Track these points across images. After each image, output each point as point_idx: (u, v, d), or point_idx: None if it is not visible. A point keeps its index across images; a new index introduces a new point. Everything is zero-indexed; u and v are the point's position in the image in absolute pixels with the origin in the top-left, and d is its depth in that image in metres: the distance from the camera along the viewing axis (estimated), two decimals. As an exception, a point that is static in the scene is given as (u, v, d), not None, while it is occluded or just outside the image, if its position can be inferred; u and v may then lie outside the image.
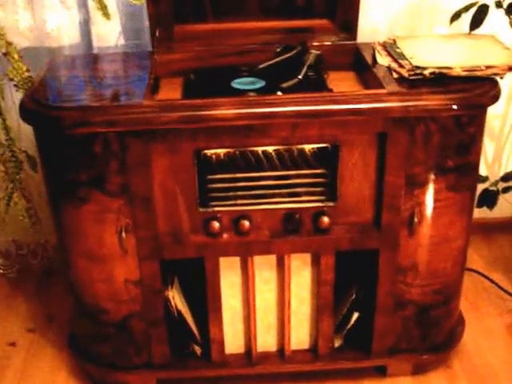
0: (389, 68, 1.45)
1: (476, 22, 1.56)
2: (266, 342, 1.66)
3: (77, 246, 1.47)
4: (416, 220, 1.45)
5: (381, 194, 1.43)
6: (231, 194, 1.45)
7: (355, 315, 1.64)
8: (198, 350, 1.66)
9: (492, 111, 1.64)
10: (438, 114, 1.34)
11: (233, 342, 1.65)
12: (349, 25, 1.66)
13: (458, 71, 1.39)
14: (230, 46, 1.65)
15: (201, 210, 1.44)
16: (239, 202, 1.45)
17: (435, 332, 1.64)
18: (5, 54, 1.50)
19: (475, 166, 1.47)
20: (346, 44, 1.66)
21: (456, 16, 1.58)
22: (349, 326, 1.65)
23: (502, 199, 1.99)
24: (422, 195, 1.43)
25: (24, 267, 2.18)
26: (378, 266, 1.51)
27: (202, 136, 1.35)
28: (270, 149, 1.41)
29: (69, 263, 1.52)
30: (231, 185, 1.44)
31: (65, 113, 1.31)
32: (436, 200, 1.44)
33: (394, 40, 1.58)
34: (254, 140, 1.37)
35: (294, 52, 1.56)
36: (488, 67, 1.40)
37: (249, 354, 1.66)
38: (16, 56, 1.50)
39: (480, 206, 1.87)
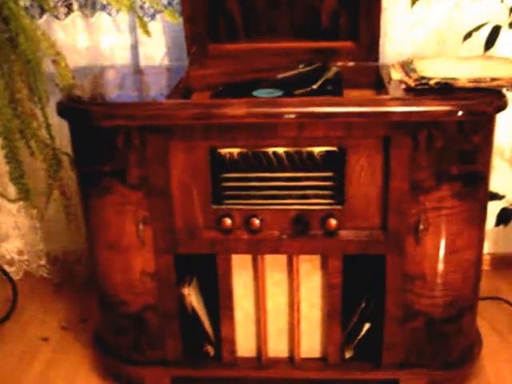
0: (400, 81, 1.52)
1: (489, 42, 1.61)
2: (278, 346, 1.70)
3: (100, 236, 1.59)
4: (422, 227, 1.48)
5: (387, 198, 1.47)
6: (243, 193, 1.53)
7: (366, 326, 1.65)
8: (210, 350, 1.72)
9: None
10: (440, 120, 1.38)
11: (244, 343, 1.69)
12: (371, 47, 1.75)
13: (463, 82, 1.44)
14: (259, 63, 1.76)
15: (214, 206, 1.53)
16: (251, 201, 1.53)
17: (447, 348, 1.63)
18: (53, 62, 1.66)
19: (483, 177, 1.48)
20: (369, 64, 1.74)
21: (468, 35, 1.63)
22: (360, 337, 1.67)
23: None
24: (428, 202, 1.46)
25: (69, 273, 2.31)
26: (386, 271, 1.54)
27: (215, 134, 1.45)
28: (281, 150, 1.49)
29: (93, 254, 1.63)
30: (244, 184, 1.52)
31: (93, 107, 1.46)
32: (442, 207, 1.47)
33: (412, 59, 1.65)
34: (264, 140, 1.46)
35: (313, 66, 1.66)
36: (493, 79, 1.44)
37: (259, 358, 1.70)
38: (63, 64, 1.66)
39: (497, 224, 1.85)
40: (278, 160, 1.50)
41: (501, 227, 1.93)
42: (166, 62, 2.01)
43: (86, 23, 2.02)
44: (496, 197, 1.74)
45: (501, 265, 2.26)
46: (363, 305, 1.64)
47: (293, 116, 1.40)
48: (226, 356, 1.68)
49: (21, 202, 2.20)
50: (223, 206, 1.53)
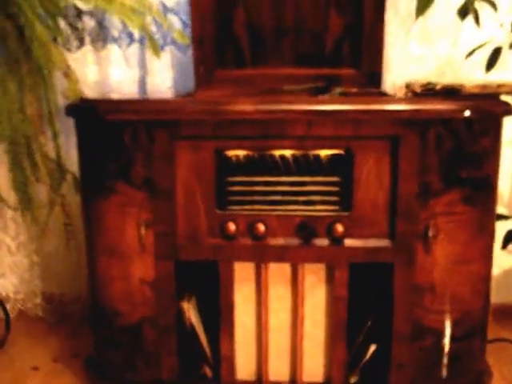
0: (406, 88, 1.54)
1: (491, 63, 1.65)
2: (279, 369, 1.61)
3: (100, 241, 1.55)
4: (431, 233, 1.45)
5: (395, 203, 1.45)
6: (248, 198, 1.51)
7: (372, 348, 1.58)
8: (208, 372, 1.63)
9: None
10: (448, 118, 1.39)
11: (244, 364, 1.61)
12: (373, 74, 1.79)
13: (469, 87, 1.46)
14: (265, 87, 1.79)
15: (218, 211, 1.51)
16: (256, 206, 1.51)
17: (458, 370, 1.55)
18: (64, 75, 1.69)
19: (492, 184, 1.47)
20: (371, 90, 1.77)
21: (470, 53, 1.67)
22: (365, 360, 1.59)
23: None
24: (437, 206, 1.44)
25: (64, 313, 2.24)
26: (394, 283, 1.49)
27: (222, 132, 1.45)
28: (288, 153, 1.48)
29: (92, 261, 1.58)
30: (249, 188, 1.50)
31: (99, 103, 1.48)
32: (451, 213, 1.45)
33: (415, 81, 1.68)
34: (272, 140, 1.46)
35: (319, 84, 1.69)
36: (500, 85, 1.46)
37: (260, 382, 1.60)
38: (74, 77, 1.69)
39: (504, 246, 1.81)
40: (284, 163, 1.49)
41: (501, 276, 1.89)
42: (172, 92, 2.05)
43: (96, 56, 2.07)
44: (502, 217, 1.72)
45: (501, 314, 2.19)
46: (369, 323, 1.57)
47: (301, 112, 1.40)
48: (224, 377, 1.59)
49: (20, 236, 2.20)
50: (227, 212, 1.51)
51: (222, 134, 1.45)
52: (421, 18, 1.91)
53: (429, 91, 1.47)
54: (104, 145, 1.48)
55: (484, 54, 1.78)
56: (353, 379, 1.60)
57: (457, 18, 1.84)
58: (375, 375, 1.58)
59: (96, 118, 1.46)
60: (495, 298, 2.16)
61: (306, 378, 1.60)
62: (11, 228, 2.25)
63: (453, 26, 1.90)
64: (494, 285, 2.05)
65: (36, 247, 2.24)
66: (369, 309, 1.59)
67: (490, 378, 1.62)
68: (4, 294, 2.27)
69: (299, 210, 1.50)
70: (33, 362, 1.94)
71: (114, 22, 2.01)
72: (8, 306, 2.25)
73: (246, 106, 1.42)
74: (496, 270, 2.01)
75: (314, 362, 1.60)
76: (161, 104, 1.45)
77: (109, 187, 1.50)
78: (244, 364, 1.61)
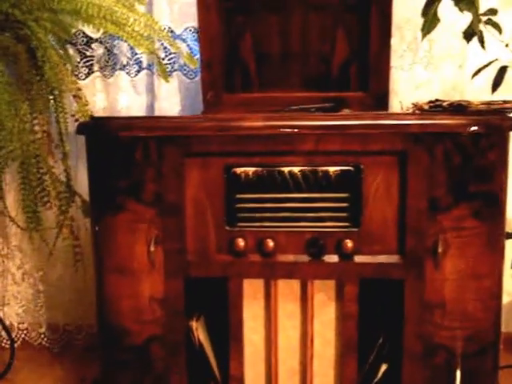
0: (414, 106, 1.56)
1: (497, 82, 1.68)
2: (289, 390, 1.59)
3: (109, 259, 1.54)
4: (440, 249, 1.45)
5: (404, 218, 1.46)
6: (258, 214, 1.51)
7: (383, 367, 1.56)
8: (217, 393, 1.61)
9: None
10: (455, 132, 1.40)
11: (254, 385, 1.59)
12: (380, 97, 1.82)
13: (476, 104, 1.48)
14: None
15: (227, 228, 1.51)
16: (265, 223, 1.51)
17: (471, 389, 1.53)
18: (74, 97, 1.72)
19: (500, 200, 1.47)
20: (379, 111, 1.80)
21: (476, 73, 1.70)
22: (376, 380, 1.57)
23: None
24: (446, 221, 1.45)
25: (68, 342, 2.22)
26: (404, 299, 1.48)
27: (231, 148, 1.46)
28: (296, 169, 1.49)
29: (100, 280, 1.58)
30: (258, 205, 1.51)
31: (110, 120, 1.50)
32: (460, 228, 1.45)
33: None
34: (280, 157, 1.47)
35: (326, 105, 1.71)
36: (506, 102, 1.48)
37: (270, 404, 1.58)
38: (83, 99, 1.72)
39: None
40: (293, 180, 1.50)
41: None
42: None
43: (104, 83, 2.10)
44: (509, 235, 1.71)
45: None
46: (380, 341, 1.56)
47: (309, 127, 1.42)
48: (233, 398, 1.57)
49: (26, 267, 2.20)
50: (237, 229, 1.51)
51: (232, 150, 1.47)
52: (427, 42, 1.96)
53: (436, 107, 1.49)
54: (115, 162, 1.49)
55: (489, 77, 1.81)
56: (364, 400, 1.58)
57: (462, 42, 1.87)
58: (387, 395, 1.56)
59: (107, 135, 1.48)
60: (505, 327, 2.15)
61: (316, 399, 1.58)
62: (17, 257, 2.25)
63: (458, 50, 1.93)
64: (504, 313, 2.05)
65: (41, 276, 2.24)
66: (380, 327, 1.58)
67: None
68: (8, 322, 2.25)
69: (308, 227, 1.50)
70: (38, 388, 1.92)
71: (123, 50, 2.05)
72: (12, 335, 2.24)
73: (255, 122, 1.44)
74: (506, 297, 1.99)
75: (325, 382, 1.58)
76: (171, 121, 1.47)
77: (119, 204, 1.50)
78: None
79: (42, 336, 2.26)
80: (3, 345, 2.24)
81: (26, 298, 2.27)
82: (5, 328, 2.08)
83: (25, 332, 2.28)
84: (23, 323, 2.28)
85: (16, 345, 2.21)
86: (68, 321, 2.26)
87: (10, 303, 2.27)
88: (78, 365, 2.08)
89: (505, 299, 1.92)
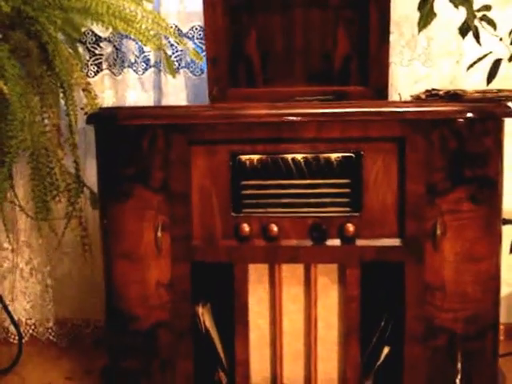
0: (410, 96, 1.61)
1: (492, 74, 1.73)
2: (293, 373, 1.62)
3: (117, 245, 1.59)
4: (439, 231, 1.49)
5: (403, 203, 1.50)
6: (262, 200, 1.56)
7: (385, 350, 1.60)
8: (223, 378, 1.64)
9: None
10: (452, 118, 1.45)
11: (259, 369, 1.62)
12: (381, 90, 1.87)
13: (471, 93, 1.53)
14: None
15: (233, 214, 1.55)
16: (269, 209, 1.56)
17: (472, 370, 1.56)
18: (84, 90, 1.77)
19: (496, 183, 1.51)
20: (379, 102, 1.85)
21: (471, 65, 1.75)
22: (379, 363, 1.60)
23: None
24: (444, 204, 1.49)
25: (76, 337, 2.26)
26: (404, 282, 1.52)
27: (236, 137, 1.51)
28: (299, 156, 1.54)
29: (108, 266, 1.62)
30: (263, 192, 1.55)
31: (119, 109, 1.55)
32: (458, 210, 1.49)
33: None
34: (284, 144, 1.52)
35: (328, 97, 1.76)
36: (500, 90, 1.53)
37: (275, 386, 1.62)
38: (92, 93, 1.77)
39: (512, 251, 1.84)
40: (296, 167, 1.55)
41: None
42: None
43: (113, 81, 2.16)
44: (509, 222, 1.75)
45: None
46: (382, 324, 1.60)
47: (311, 115, 1.47)
48: (239, 383, 1.60)
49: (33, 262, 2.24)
50: (242, 214, 1.55)
51: (237, 137, 1.52)
52: (425, 39, 2.01)
53: (433, 96, 1.54)
54: (123, 150, 1.54)
55: (485, 73, 1.86)
56: (368, 382, 1.61)
57: (459, 39, 1.93)
58: (390, 378, 1.59)
59: (116, 124, 1.53)
60: (506, 318, 2.18)
61: (320, 381, 1.61)
62: (25, 252, 2.29)
63: (456, 47, 1.99)
64: (504, 304, 2.08)
65: (49, 271, 2.27)
66: (382, 310, 1.62)
67: (504, 378, 1.63)
68: (16, 318, 2.28)
69: (311, 212, 1.55)
70: (46, 380, 1.95)
71: (131, 48, 2.11)
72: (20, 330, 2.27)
73: (259, 110, 1.49)
74: (505, 288, 2.02)
75: (329, 365, 1.61)
76: (178, 109, 1.52)
77: (127, 191, 1.55)
78: (258, 368, 1.63)
79: (50, 331, 2.29)
80: (11, 340, 2.27)
81: (34, 293, 2.30)
82: (13, 323, 2.11)
83: (32, 327, 2.31)
84: (31, 319, 2.31)
85: (24, 340, 2.24)
86: (75, 316, 2.29)
87: (18, 299, 2.31)
88: (86, 358, 2.11)
89: (506, 290, 1.96)
